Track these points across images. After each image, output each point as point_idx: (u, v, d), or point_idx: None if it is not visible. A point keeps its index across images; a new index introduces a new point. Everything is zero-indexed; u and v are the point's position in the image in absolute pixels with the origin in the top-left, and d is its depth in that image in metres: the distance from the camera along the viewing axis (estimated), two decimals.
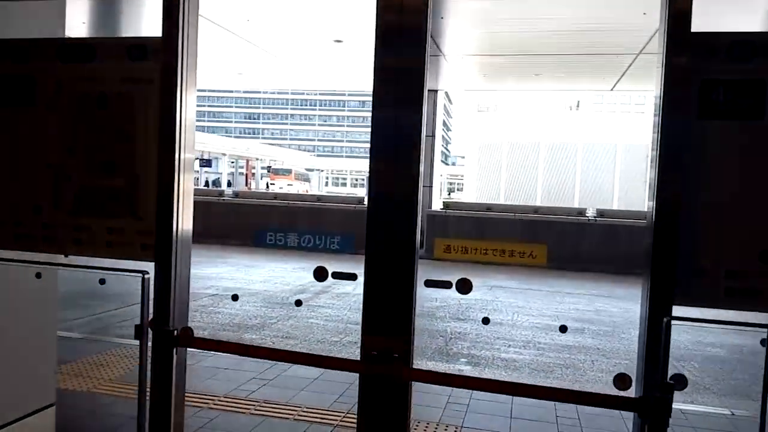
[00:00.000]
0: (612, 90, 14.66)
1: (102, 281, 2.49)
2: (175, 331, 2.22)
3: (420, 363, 5.40)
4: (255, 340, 5.87)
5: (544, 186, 29.10)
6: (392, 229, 2.10)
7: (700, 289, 1.93)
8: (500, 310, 8.14)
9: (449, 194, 46.00)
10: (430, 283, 2.14)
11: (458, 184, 52.57)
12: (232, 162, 57.62)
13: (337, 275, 2.18)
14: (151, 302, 2.32)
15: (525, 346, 6.23)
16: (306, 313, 7.27)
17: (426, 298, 8.54)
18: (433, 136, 14.64)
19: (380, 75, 2.12)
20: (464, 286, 2.09)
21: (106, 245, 2.43)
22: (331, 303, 7.95)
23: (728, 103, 1.91)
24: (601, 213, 13.23)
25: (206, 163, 52.16)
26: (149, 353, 2.30)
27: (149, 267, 2.34)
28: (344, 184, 70.76)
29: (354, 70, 13.50)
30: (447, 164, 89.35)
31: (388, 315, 2.09)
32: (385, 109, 2.13)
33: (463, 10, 8.86)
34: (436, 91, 14.43)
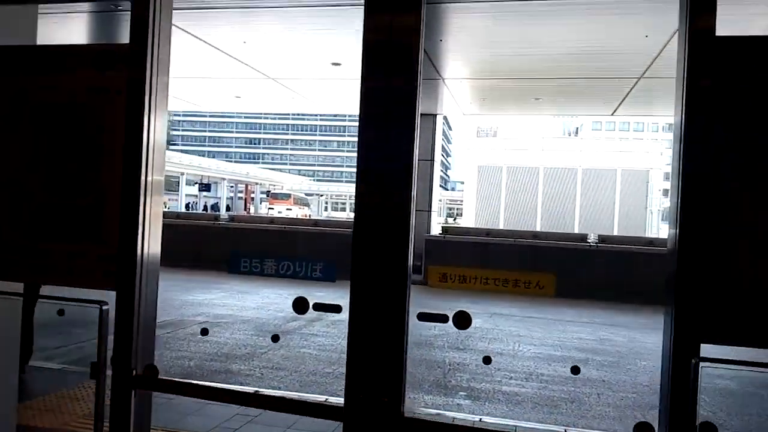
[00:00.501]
0: (612, 114, 14.56)
1: (61, 312, 2.25)
2: (135, 371, 1.97)
3: (417, 397, 5.11)
4: (243, 371, 5.59)
5: (544, 211, 28.93)
6: (381, 258, 1.87)
7: (734, 326, 1.69)
8: (501, 339, 7.85)
9: (454, 219, 45.84)
10: (424, 317, 1.90)
11: (458, 209, 52.46)
12: (232, 186, 57.62)
13: (319, 307, 1.95)
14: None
15: (527, 378, 5.94)
16: (299, 342, 6.98)
17: (424, 326, 8.24)
18: (432, 160, 14.49)
19: (368, 97, 1.97)
20: (462, 321, 1.85)
21: (67, 272, 2.19)
22: (326, 331, 7.66)
23: (762, 116, 1.69)
24: (603, 239, 13.00)
25: (205, 187, 52.17)
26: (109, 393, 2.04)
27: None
28: (344, 209, 70.62)
29: (354, 95, 13.40)
30: (446, 189, 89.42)
31: (377, 353, 1.85)
32: (375, 133, 1.96)
33: (463, 32, 8.76)
34: (434, 115, 14.31)
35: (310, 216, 41.39)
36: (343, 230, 13.70)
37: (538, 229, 26.39)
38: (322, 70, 10.55)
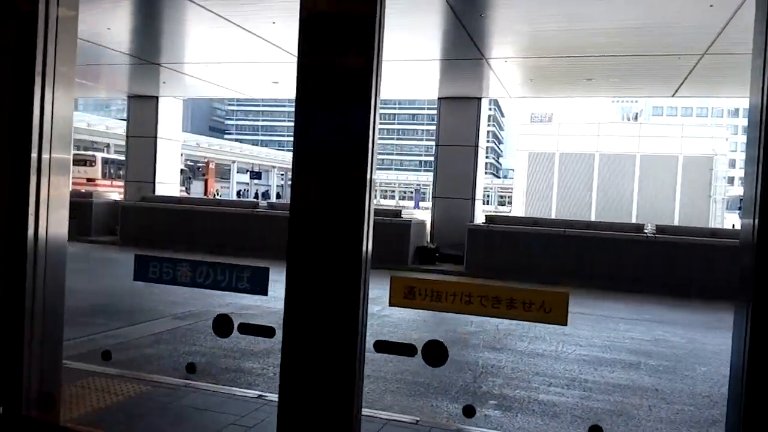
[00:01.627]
0: (673, 96, 13.49)
1: None
2: (20, 405, 1.54)
3: (440, 405, 4.61)
4: (255, 369, 5.21)
5: (599, 199, 27.64)
6: (324, 253, 1.40)
7: None
8: (543, 337, 7.23)
9: (509, 208, 44.84)
10: (382, 347, 1.40)
11: (509, 197, 51.22)
12: (282, 174, 58.10)
13: (247, 329, 1.49)
14: None
15: (569, 386, 5.34)
16: None
17: (459, 321, 7.74)
18: (477, 146, 13.83)
19: (307, 76, 1.68)
20: (436, 354, 1.34)
21: None
22: None
23: None
24: (661, 230, 12.06)
25: (256, 175, 52.88)
26: None
27: None
28: (392, 197, 70.30)
29: (390, 76, 12.86)
30: (498, 177, 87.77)
31: (316, 392, 1.36)
32: (317, 117, 1.67)
33: (505, 6, 8.10)
34: (479, 99, 13.61)
35: None
36: (381, 219, 13.24)
37: (592, 218, 25.22)
38: None
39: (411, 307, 1.55)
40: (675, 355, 6.73)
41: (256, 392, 4.33)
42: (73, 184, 23.71)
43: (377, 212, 14.13)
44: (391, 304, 1.58)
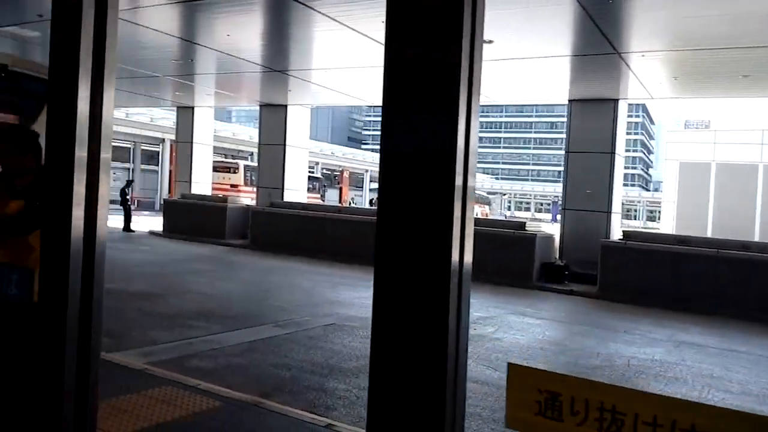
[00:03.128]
0: None
1: None
2: None
3: None
4: (338, 390, 4.79)
5: (765, 216, 24.25)
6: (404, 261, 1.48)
7: None
8: (684, 379, 6.10)
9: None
10: None
11: (659, 212, 47.17)
12: None
13: None
14: None
15: None
16: None
17: (585, 353, 6.87)
18: (614, 153, 12.54)
19: (393, 69, 1.58)
20: None
21: None
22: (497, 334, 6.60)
23: None
24: None
25: None
26: None
27: None
28: (528, 209, 67.80)
29: (527, 83, 12.06)
30: (647, 190, 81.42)
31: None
32: (398, 113, 1.59)
33: None
34: (615, 100, 12.32)
35: (487, 215, 39.91)
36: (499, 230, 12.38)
37: (756, 238, 22.14)
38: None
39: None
40: None
41: (326, 420, 3.90)
42: (218, 189, 25.37)
43: (500, 225, 13.13)
44: (509, 425, 1.16)
